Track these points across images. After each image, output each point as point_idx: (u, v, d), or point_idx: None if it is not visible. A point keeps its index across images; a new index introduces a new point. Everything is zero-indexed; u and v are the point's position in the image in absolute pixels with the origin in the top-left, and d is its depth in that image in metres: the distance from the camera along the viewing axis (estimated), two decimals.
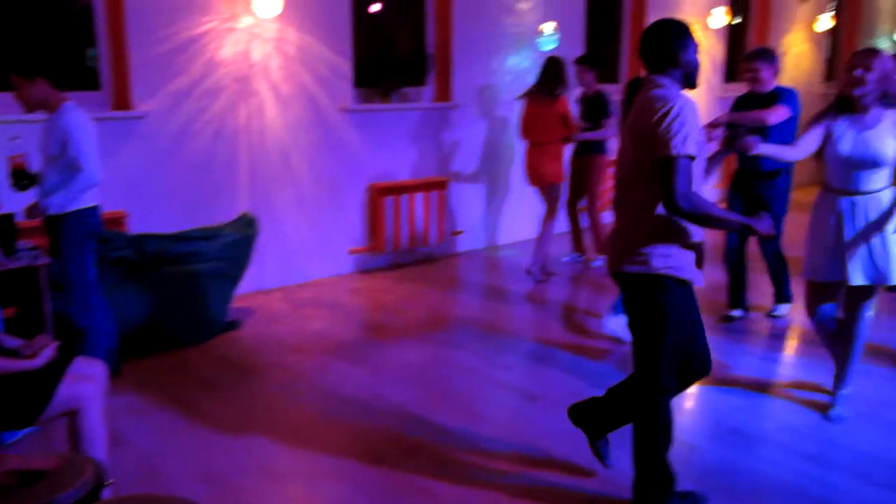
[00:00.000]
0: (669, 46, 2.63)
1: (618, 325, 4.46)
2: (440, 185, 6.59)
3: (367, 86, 6.27)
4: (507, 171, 7.10)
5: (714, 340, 3.26)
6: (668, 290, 2.64)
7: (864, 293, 3.46)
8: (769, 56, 4.63)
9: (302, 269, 5.94)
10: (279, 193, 5.69)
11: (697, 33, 9.58)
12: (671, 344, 2.68)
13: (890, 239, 3.33)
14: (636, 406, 2.80)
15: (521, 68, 7.01)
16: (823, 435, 3.47)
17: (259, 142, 5.51)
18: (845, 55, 11.49)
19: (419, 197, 6.44)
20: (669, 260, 2.62)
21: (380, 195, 6.19)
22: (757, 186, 4.66)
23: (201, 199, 5.30)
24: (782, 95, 4.44)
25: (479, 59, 6.76)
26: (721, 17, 8.63)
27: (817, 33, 10.40)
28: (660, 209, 2.59)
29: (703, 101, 8.19)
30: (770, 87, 4.55)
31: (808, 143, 3.46)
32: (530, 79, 6.82)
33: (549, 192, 5.93)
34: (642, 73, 2.83)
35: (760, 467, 3.19)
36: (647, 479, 2.81)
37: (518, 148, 6.80)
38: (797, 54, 10.17)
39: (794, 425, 3.56)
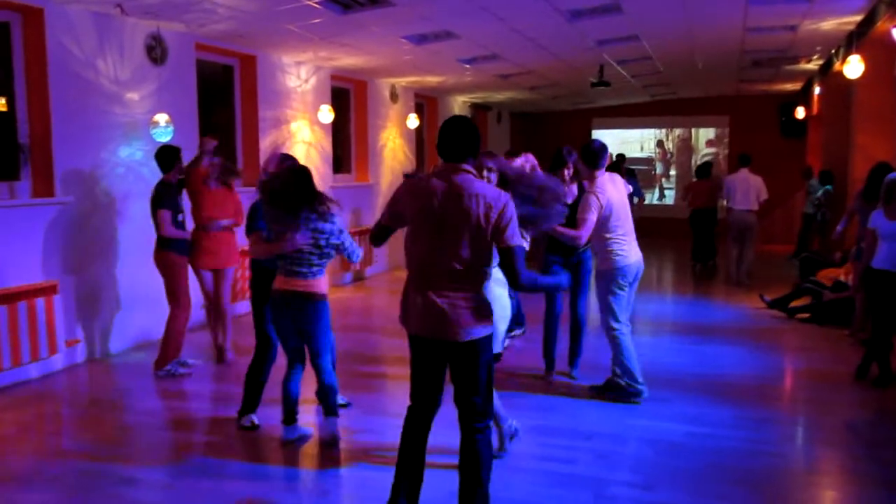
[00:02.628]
0: (476, 142, 3.04)
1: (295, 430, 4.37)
2: (48, 291, 5.73)
3: None
4: (126, 268, 6.50)
5: None
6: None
7: None
8: None
9: None
10: None
11: (306, 128, 9.91)
12: None
13: None
14: (485, 439, 3.21)
15: (134, 159, 6.57)
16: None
17: None
18: (431, 149, 13.18)
19: (22, 306, 5.51)
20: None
21: None
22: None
23: None
24: None
25: (87, 151, 6.15)
26: (327, 114, 9.19)
27: (409, 129, 11.73)
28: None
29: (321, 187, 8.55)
30: None
31: None
32: (146, 170, 6.46)
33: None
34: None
35: None
36: None
37: (138, 243, 6.31)
38: (393, 147, 11.34)
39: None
